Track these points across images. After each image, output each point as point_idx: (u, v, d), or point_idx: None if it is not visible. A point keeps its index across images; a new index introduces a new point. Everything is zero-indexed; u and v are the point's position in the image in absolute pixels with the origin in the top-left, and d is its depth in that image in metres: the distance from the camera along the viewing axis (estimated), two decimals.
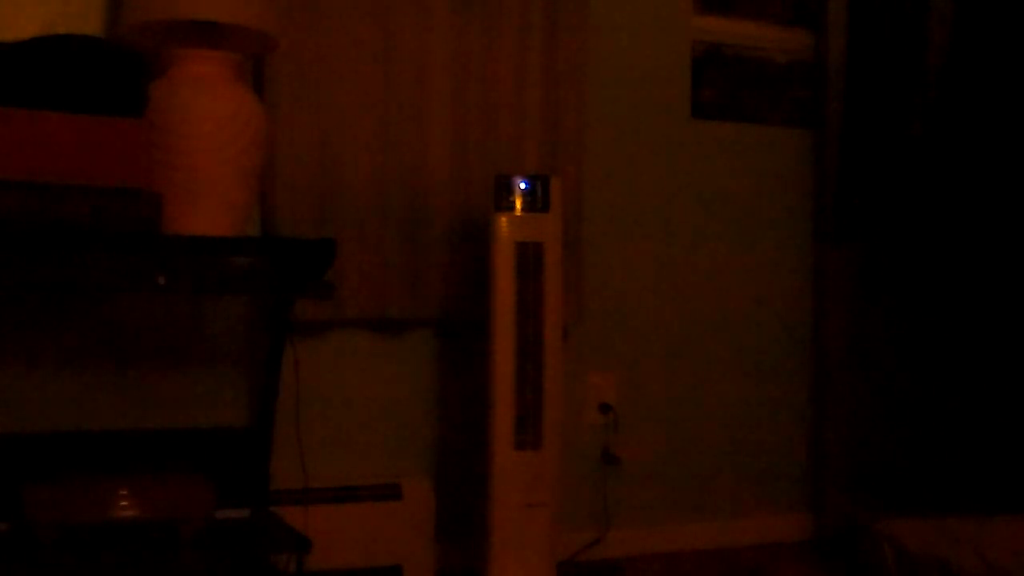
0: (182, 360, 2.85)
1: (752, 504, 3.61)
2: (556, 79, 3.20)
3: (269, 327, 2.86)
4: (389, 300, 3.00)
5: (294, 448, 2.90)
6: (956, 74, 3.68)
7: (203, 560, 2.42)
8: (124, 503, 2.42)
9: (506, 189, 2.84)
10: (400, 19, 3.00)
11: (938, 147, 3.67)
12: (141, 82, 2.37)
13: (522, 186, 2.85)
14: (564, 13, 3.20)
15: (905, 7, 3.63)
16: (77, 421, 2.72)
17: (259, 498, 2.78)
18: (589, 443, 3.37)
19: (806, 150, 3.68)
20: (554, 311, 2.89)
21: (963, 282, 3.78)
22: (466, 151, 3.09)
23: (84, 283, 2.42)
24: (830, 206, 3.63)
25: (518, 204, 2.85)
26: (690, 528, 3.50)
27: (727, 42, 3.55)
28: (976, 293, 3.80)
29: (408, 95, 3.02)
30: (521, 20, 3.15)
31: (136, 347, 2.79)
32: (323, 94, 2.92)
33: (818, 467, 3.68)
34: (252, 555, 2.65)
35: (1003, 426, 3.79)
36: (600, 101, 3.36)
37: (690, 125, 3.51)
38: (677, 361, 3.49)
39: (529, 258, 2.86)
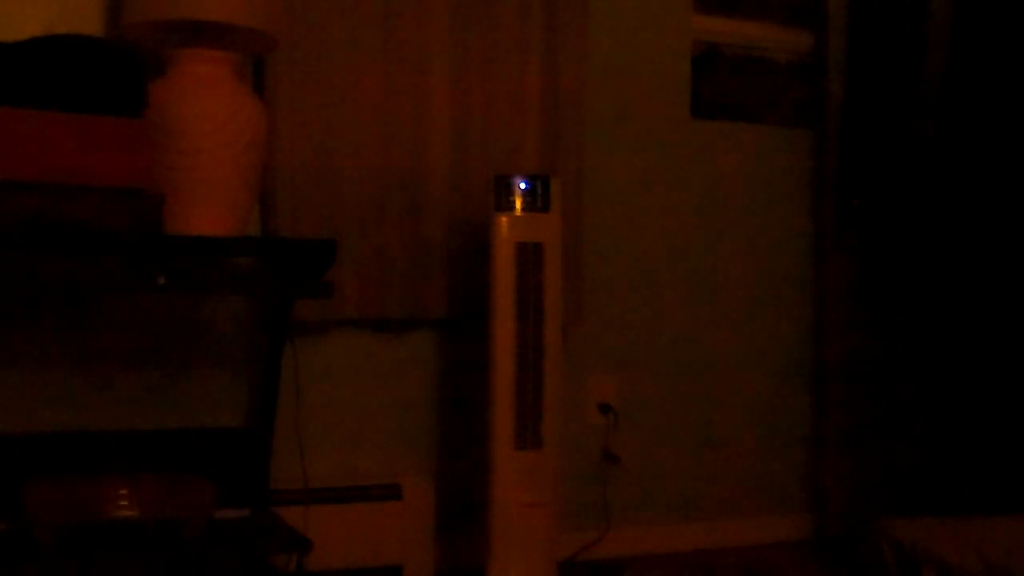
0: (182, 360, 2.85)
1: (752, 504, 3.61)
2: (556, 79, 3.20)
3: (269, 327, 2.86)
4: (389, 300, 3.00)
5: (294, 448, 2.90)
6: (956, 74, 3.68)
7: (203, 560, 2.42)
8: (124, 503, 2.42)
9: (506, 189, 2.85)
10: (400, 19, 3.01)
11: (938, 147, 3.68)
12: (141, 82, 2.37)
13: (522, 186, 2.85)
14: (564, 12, 3.20)
15: (905, 7, 3.64)
16: (77, 421, 2.72)
17: (259, 498, 2.78)
18: (589, 443, 3.37)
19: (806, 150, 3.68)
20: (554, 311, 2.89)
21: (963, 282, 3.78)
22: (466, 151, 3.09)
23: (84, 283, 2.43)
24: (830, 206, 3.63)
25: (518, 204, 2.85)
26: (690, 528, 3.50)
27: (727, 42, 3.55)
28: (975, 293, 3.80)
29: (408, 95, 3.02)
30: (521, 19, 3.15)
31: (136, 347, 2.79)
32: (323, 94, 2.92)
33: (818, 467, 3.68)
34: (252, 555, 2.65)
35: (1003, 426, 3.79)
36: (600, 101, 3.36)
37: (690, 125, 3.51)
38: (677, 361, 3.49)
39: (529, 258, 2.86)
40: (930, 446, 3.75)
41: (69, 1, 2.70)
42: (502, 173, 2.94)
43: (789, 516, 3.66)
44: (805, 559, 3.46)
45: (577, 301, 3.25)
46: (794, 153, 3.66)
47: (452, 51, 3.07)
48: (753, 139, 3.60)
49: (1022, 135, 3.69)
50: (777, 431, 3.64)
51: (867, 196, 3.63)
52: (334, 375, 3.03)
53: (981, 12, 3.69)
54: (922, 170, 3.67)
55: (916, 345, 3.75)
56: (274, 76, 2.86)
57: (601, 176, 3.37)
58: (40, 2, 2.68)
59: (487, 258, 2.89)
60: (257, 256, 2.81)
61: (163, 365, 2.82)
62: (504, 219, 2.84)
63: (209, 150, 2.44)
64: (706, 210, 3.53)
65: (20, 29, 2.56)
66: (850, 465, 3.65)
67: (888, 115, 3.63)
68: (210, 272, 2.63)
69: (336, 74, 2.93)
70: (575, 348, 3.33)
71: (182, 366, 2.85)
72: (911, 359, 3.74)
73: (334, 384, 3.03)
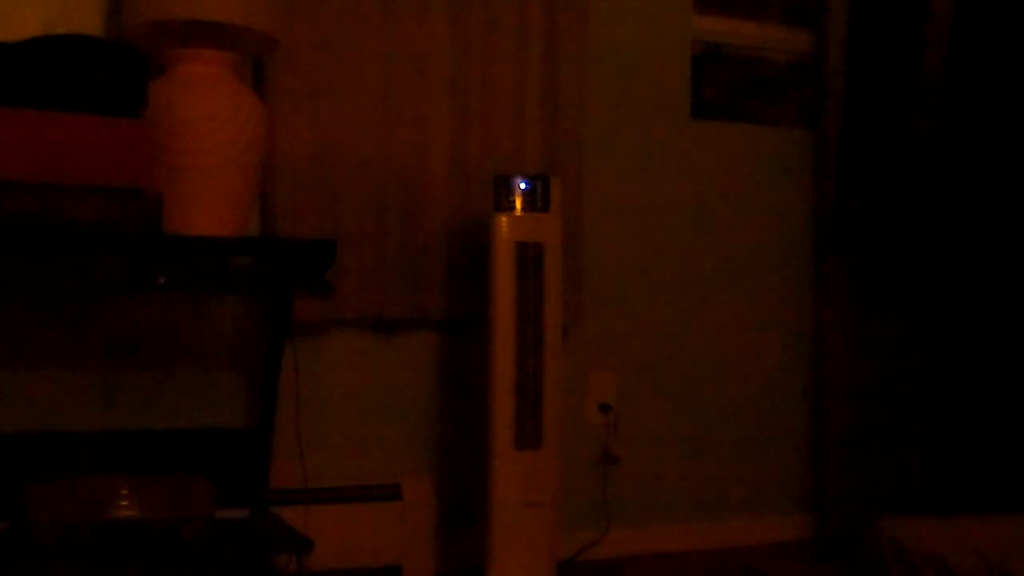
0: (182, 360, 2.85)
1: (752, 504, 3.61)
2: (556, 79, 3.20)
3: (269, 327, 2.86)
4: (389, 300, 3.00)
5: (294, 448, 2.90)
6: (956, 74, 3.68)
7: (203, 560, 2.42)
8: (124, 503, 2.42)
9: (506, 189, 2.85)
10: (400, 19, 3.00)
11: (938, 147, 3.67)
12: (141, 82, 2.37)
13: (522, 186, 2.85)
14: (564, 13, 3.20)
15: (905, 7, 3.63)
16: (77, 421, 2.72)
17: (259, 498, 2.78)
18: (589, 443, 3.37)
19: (806, 150, 3.68)
20: (554, 311, 2.89)
21: (963, 281, 3.78)
22: (466, 151, 3.09)
23: (84, 283, 2.42)
24: (830, 207, 3.63)
25: (518, 204, 2.85)
26: (690, 528, 3.50)
27: (727, 42, 3.55)
28: (976, 292, 3.80)
29: (408, 95, 3.02)
30: (521, 20, 3.15)
31: (136, 347, 2.79)
32: (323, 94, 2.92)
33: (818, 467, 3.68)
34: (252, 555, 2.65)
35: (1003, 426, 3.79)
36: (600, 101, 3.36)
37: (690, 125, 3.51)
38: (677, 361, 3.49)
39: (529, 258, 2.86)
40: (930, 446, 3.75)
41: (69, 1, 2.70)
42: (502, 173, 2.94)
43: (789, 516, 3.66)
44: (805, 559, 3.46)
45: (577, 301, 3.25)
46: (794, 153, 3.66)
47: (452, 51, 3.07)
48: (753, 139, 3.60)
49: (1022, 134, 3.69)
50: (777, 431, 3.64)
51: (867, 196, 3.63)
52: (334, 375, 3.03)
53: (981, 12, 3.69)
54: (922, 170, 3.67)
55: (916, 345, 3.74)
56: (274, 76, 2.86)
57: (601, 176, 3.37)
58: (40, 2, 2.68)
59: (487, 258, 2.89)
60: (257, 256, 2.80)
61: (163, 365, 2.82)
62: (504, 219, 2.84)
63: (209, 150, 2.44)
64: (706, 210, 3.53)
65: (20, 29, 2.57)
66: (850, 465, 3.65)
67: (888, 115, 3.63)
68: (210, 272, 2.62)
69: (336, 74, 2.93)
70: (575, 348, 3.33)
71: (182, 366, 2.85)
72: (911, 359, 3.74)
73: (334, 384, 3.03)
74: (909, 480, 3.72)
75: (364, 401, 3.07)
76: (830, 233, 3.63)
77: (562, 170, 3.19)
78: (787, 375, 3.66)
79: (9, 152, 2.20)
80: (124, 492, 2.42)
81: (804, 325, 3.68)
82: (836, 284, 3.64)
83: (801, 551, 3.54)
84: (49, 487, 2.39)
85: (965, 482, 3.75)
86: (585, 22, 3.25)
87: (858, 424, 3.67)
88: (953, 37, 3.68)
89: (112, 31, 2.71)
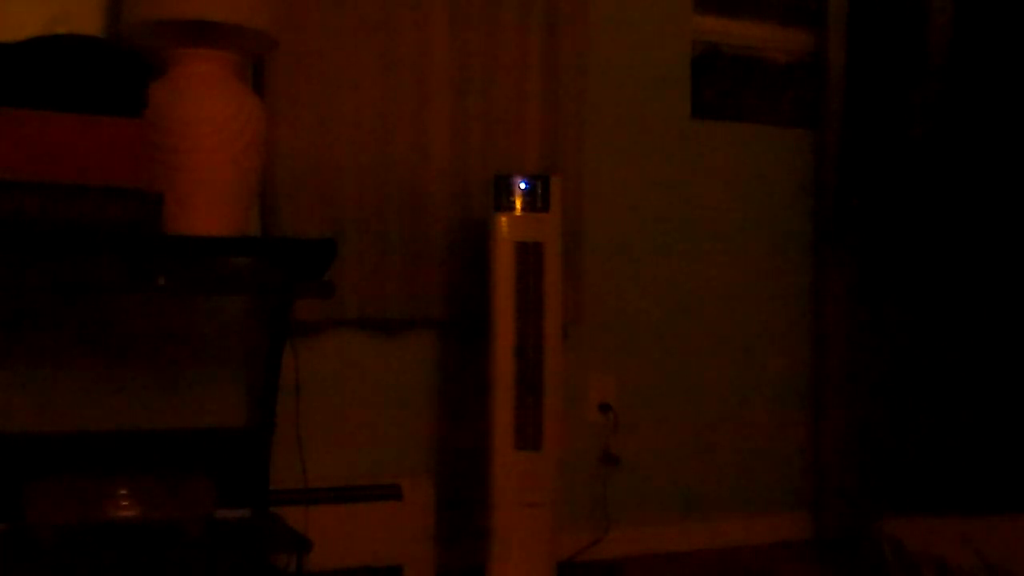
0: (182, 360, 2.85)
1: (752, 504, 3.61)
2: (556, 79, 3.20)
3: (269, 327, 2.86)
4: (389, 300, 3.00)
5: (294, 448, 2.90)
6: (956, 74, 3.68)
7: (203, 560, 2.42)
8: (124, 503, 2.42)
9: (506, 189, 2.85)
10: (400, 19, 3.00)
11: (938, 147, 3.68)
12: (141, 82, 2.37)
13: (522, 186, 2.85)
14: (564, 13, 3.20)
15: (905, 7, 3.63)
16: (77, 421, 2.72)
17: (259, 498, 2.78)
18: (589, 443, 3.37)
19: (806, 150, 3.68)
20: (554, 311, 2.89)
21: (962, 281, 3.78)
22: (466, 151, 3.09)
23: (84, 283, 2.42)
24: (830, 206, 3.63)
25: (518, 204, 2.85)
26: (690, 528, 3.50)
27: (727, 42, 3.55)
28: (975, 292, 3.80)
29: (408, 95, 3.02)
30: (521, 20, 3.15)
31: (136, 347, 2.79)
32: (323, 94, 2.92)
33: (818, 467, 3.68)
34: (252, 555, 2.65)
35: (1003, 426, 3.79)
36: (600, 101, 3.36)
37: (690, 125, 3.51)
38: (677, 361, 3.49)
39: (529, 258, 2.86)
40: (930, 445, 3.75)
41: (69, 1, 2.70)
42: (502, 173, 2.94)
43: (789, 516, 3.66)
44: (805, 559, 3.46)
45: (577, 301, 3.25)
46: (794, 153, 3.66)
47: (452, 51, 3.07)
48: (753, 139, 3.60)
49: (1021, 135, 3.69)
50: (777, 431, 3.64)
51: (866, 196, 3.63)
52: (334, 375, 3.03)
53: (981, 13, 3.69)
54: (922, 170, 3.67)
55: (916, 344, 3.74)
56: (274, 76, 2.86)
57: (601, 176, 3.37)
58: (40, 2, 2.68)
59: (487, 258, 2.89)
60: (257, 256, 2.81)
61: (163, 365, 2.82)
62: (504, 219, 2.84)
63: (209, 150, 2.44)
64: (706, 210, 3.53)
65: (20, 29, 2.56)
66: (850, 465, 3.65)
67: (888, 115, 3.63)
68: (210, 272, 2.62)
69: (336, 74, 2.93)
70: (575, 348, 3.33)
71: (182, 366, 2.85)
72: (911, 358, 3.74)
73: (334, 384, 3.03)
74: (909, 480, 3.72)
75: (364, 401, 3.07)
76: (830, 233, 3.63)
77: (562, 170, 3.19)
78: (787, 375, 3.66)
79: (9, 152, 2.20)
80: (124, 492, 2.42)
81: (804, 325, 3.68)
82: (836, 284, 3.64)
83: (801, 551, 3.54)
84: (49, 487, 2.39)
85: (965, 482, 3.75)
86: (585, 22, 3.25)
87: (858, 424, 3.67)
88: (953, 37, 3.68)
89: (112, 31, 2.71)
